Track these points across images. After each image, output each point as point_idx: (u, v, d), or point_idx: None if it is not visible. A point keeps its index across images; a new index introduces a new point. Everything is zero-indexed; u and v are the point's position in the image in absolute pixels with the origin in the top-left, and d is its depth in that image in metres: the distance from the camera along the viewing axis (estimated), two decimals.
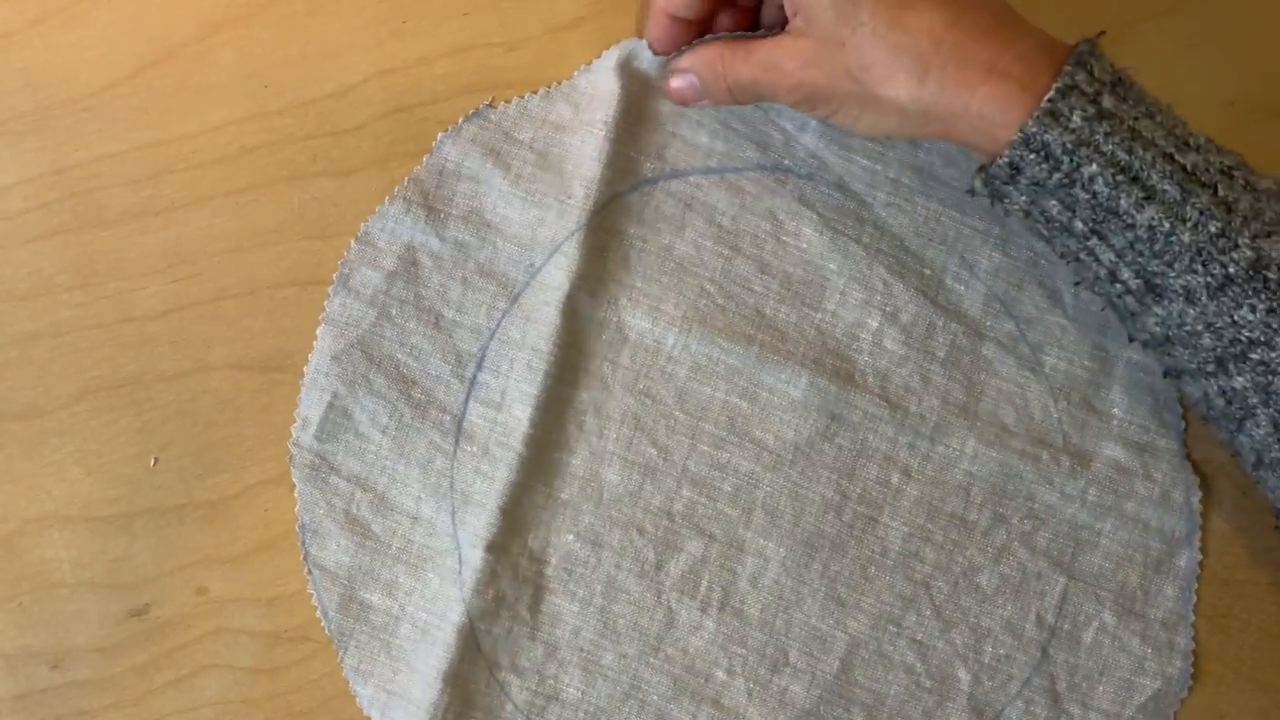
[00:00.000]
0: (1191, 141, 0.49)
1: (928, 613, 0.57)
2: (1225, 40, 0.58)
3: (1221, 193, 0.48)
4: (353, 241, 0.56)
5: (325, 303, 0.56)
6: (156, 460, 0.56)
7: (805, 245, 0.57)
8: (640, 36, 0.57)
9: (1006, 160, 0.49)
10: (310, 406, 0.56)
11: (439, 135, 0.56)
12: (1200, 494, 0.57)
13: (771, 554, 0.57)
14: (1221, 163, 0.48)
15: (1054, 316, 0.57)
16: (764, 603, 0.57)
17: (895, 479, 0.57)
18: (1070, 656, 0.57)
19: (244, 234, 0.56)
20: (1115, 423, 0.57)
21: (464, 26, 0.57)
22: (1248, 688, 0.58)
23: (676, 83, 0.55)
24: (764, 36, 0.53)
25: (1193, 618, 0.57)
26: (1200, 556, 0.57)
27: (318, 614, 0.56)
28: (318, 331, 0.56)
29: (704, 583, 0.57)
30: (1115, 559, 0.57)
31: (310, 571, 0.56)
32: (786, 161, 0.57)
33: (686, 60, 0.55)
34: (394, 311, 0.56)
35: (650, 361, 0.57)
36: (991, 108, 0.49)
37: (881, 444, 0.57)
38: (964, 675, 0.57)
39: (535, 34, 0.57)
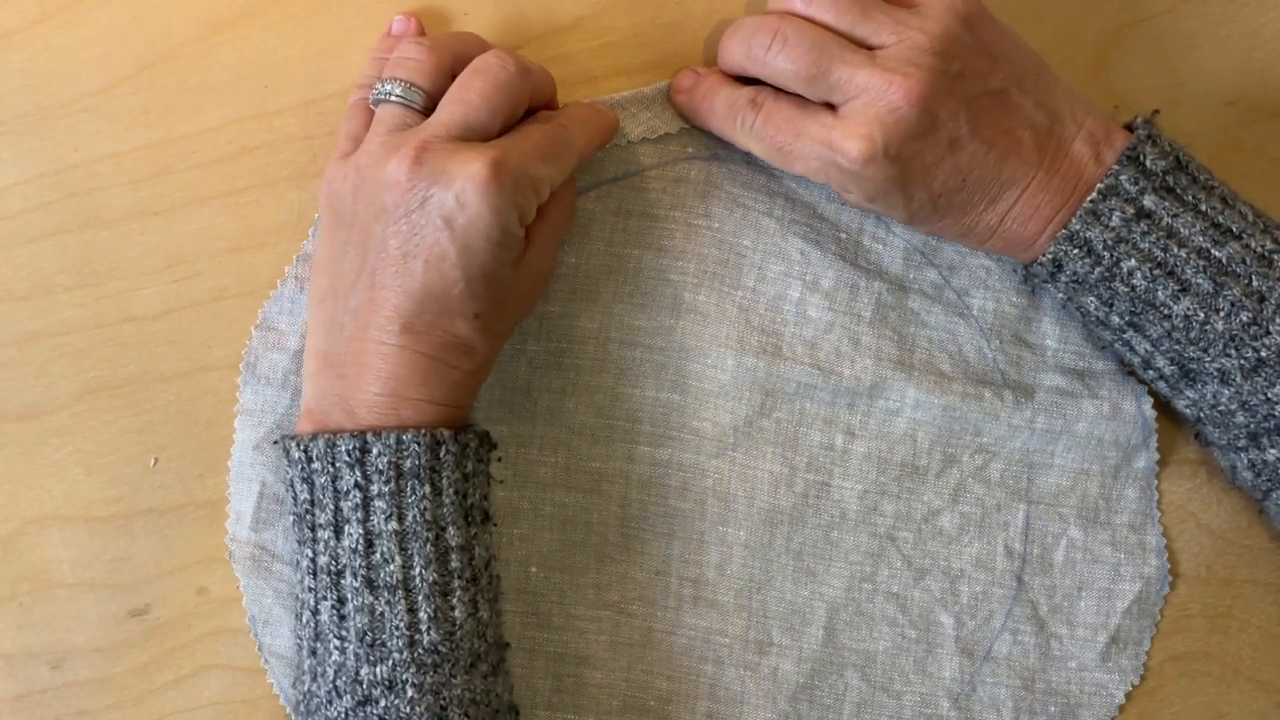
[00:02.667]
0: (1235, 227, 0.51)
1: (898, 564, 0.57)
2: (1225, 40, 0.58)
3: (1255, 284, 0.51)
4: (253, 329, 0.56)
5: (237, 394, 0.56)
6: (156, 460, 0.56)
7: (717, 225, 0.57)
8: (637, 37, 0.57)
9: (1050, 256, 0.53)
10: (241, 499, 0.56)
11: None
12: (1151, 399, 0.57)
13: (732, 539, 0.57)
14: (1263, 246, 0.51)
15: (977, 259, 0.58)
16: (736, 588, 0.57)
17: (840, 441, 0.57)
18: (1046, 579, 0.58)
19: (244, 234, 0.56)
20: (1050, 353, 0.58)
21: (464, 26, 0.57)
22: (1248, 688, 0.58)
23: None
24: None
25: (1158, 514, 0.58)
26: (1158, 456, 0.58)
27: (280, 701, 0.56)
28: (235, 424, 0.56)
29: (673, 582, 0.57)
30: (1072, 475, 0.58)
31: (267, 660, 0.56)
32: (690, 149, 0.57)
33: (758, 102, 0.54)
34: None
35: (573, 380, 0.56)
36: (1034, 259, 0.54)
37: (820, 409, 0.57)
38: (946, 619, 0.57)
39: (535, 34, 0.57)
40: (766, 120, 0.53)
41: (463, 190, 0.48)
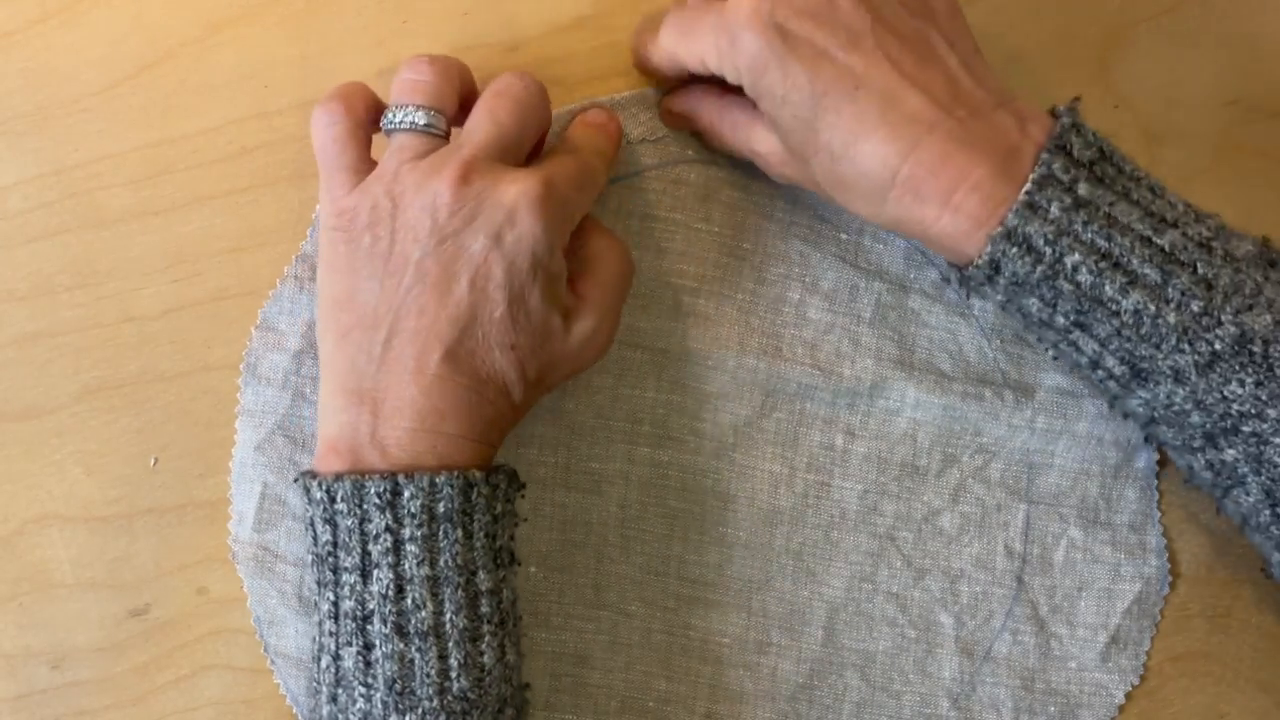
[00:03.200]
0: (1169, 216, 0.48)
1: (898, 564, 0.57)
2: (1225, 40, 0.58)
3: (1201, 270, 0.48)
4: (253, 330, 0.56)
5: (238, 395, 0.56)
6: (156, 460, 0.56)
7: (717, 229, 0.57)
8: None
9: (986, 259, 0.48)
10: (243, 500, 0.55)
11: (318, 208, 0.56)
12: None
13: (732, 539, 0.57)
14: (1200, 234, 0.48)
15: None
16: (735, 589, 0.57)
17: (840, 440, 0.57)
18: (1046, 579, 0.57)
19: (244, 234, 0.56)
20: (1051, 353, 0.57)
21: (464, 26, 0.57)
22: (1248, 688, 0.58)
23: (671, 122, 0.57)
24: (749, 107, 0.52)
25: (1159, 514, 0.58)
26: (1158, 455, 0.57)
27: (287, 701, 0.56)
28: (236, 425, 0.56)
29: (672, 582, 0.57)
30: (1072, 475, 0.57)
31: (273, 661, 0.55)
32: (690, 153, 0.57)
33: (682, 103, 0.56)
34: (308, 390, 0.55)
35: (573, 380, 0.56)
36: (951, 238, 0.49)
37: (820, 409, 0.57)
38: (946, 619, 0.57)
39: (536, 34, 0.57)
40: (678, 8, 0.52)
41: (515, 206, 0.48)
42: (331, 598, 0.48)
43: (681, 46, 0.52)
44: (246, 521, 0.55)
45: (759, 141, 0.53)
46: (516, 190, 0.48)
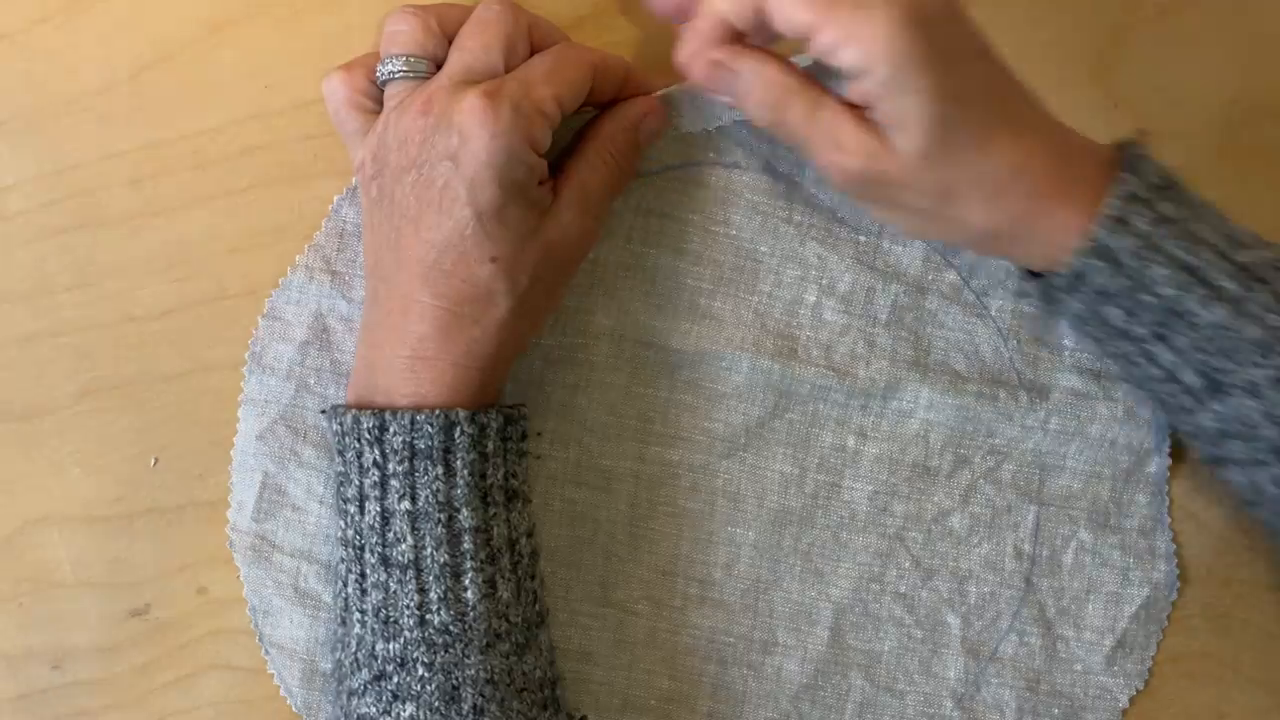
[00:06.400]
0: (1243, 239, 0.50)
1: (907, 565, 0.57)
2: (1225, 40, 0.59)
3: (1278, 287, 0.49)
4: (260, 319, 0.56)
5: (242, 383, 0.56)
6: (156, 460, 0.56)
7: (735, 232, 0.57)
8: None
9: (1072, 270, 0.50)
10: (243, 489, 0.56)
11: (335, 199, 0.56)
12: None
13: (741, 539, 0.57)
14: (1270, 258, 0.49)
15: (998, 260, 0.57)
16: (743, 589, 0.57)
17: (851, 442, 0.57)
18: (1054, 581, 0.58)
19: (244, 234, 0.56)
20: (1067, 354, 0.57)
21: None
22: (1248, 688, 0.58)
23: (710, 72, 0.50)
24: (833, 92, 0.49)
25: (1169, 520, 0.58)
26: (1170, 461, 0.58)
27: (281, 692, 0.56)
28: (239, 414, 0.56)
29: (679, 582, 0.57)
30: (1084, 478, 0.57)
31: (267, 651, 0.55)
32: (711, 155, 0.57)
33: (744, 64, 0.49)
34: (311, 381, 0.56)
35: (586, 376, 0.56)
36: (1055, 233, 0.50)
37: (833, 411, 0.57)
38: (953, 620, 0.57)
39: None
40: None
41: (463, 125, 0.48)
42: (341, 525, 0.51)
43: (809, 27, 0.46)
44: (245, 510, 0.55)
45: (847, 130, 0.48)
46: (463, 108, 0.48)
